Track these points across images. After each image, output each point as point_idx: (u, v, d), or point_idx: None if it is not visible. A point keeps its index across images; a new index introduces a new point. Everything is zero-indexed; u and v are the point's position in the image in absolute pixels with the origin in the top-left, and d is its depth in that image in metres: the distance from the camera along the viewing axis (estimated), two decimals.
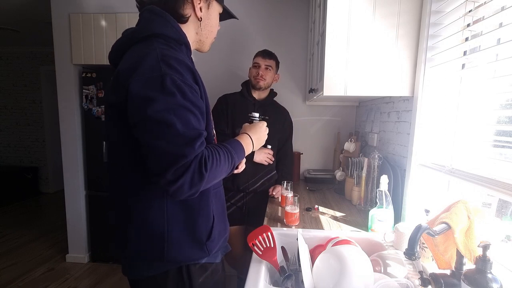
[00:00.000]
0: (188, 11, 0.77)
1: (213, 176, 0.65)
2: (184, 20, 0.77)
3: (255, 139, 0.88)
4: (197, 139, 0.62)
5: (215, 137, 0.89)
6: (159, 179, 0.61)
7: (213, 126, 0.86)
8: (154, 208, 0.71)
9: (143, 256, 0.74)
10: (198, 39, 0.84)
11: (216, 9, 0.84)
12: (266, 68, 1.67)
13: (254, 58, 1.73)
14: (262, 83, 1.66)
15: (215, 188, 0.82)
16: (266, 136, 0.94)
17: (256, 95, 1.72)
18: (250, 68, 1.75)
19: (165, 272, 0.74)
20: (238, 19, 0.96)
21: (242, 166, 0.98)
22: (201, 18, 0.80)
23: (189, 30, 0.80)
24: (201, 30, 0.82)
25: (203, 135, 0.64)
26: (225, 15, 0.91)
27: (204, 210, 0.76)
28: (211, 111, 0.80)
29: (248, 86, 1.74)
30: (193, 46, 0.84)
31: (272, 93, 1.81)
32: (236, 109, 1.68)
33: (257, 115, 1.04)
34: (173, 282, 0.74)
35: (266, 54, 1.69)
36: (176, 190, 0.61)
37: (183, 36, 0.76)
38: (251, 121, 0.98)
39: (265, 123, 0.95)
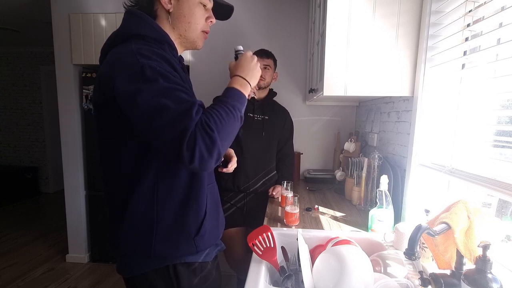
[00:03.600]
0: (156, 5, 0.76)
1: (225, 133, 0.63)
2: (153, 15, 0.76)
3: (248, 76, 0.78)
4: (191, 109, 0.61)
5: None
6: (180, 161, 0.60)
7: None
8: (145, 202, 0.71)
9: (132, 251, 0.74)
10: (179, 35, 0.79)
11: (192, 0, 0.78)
12: (265, 68, 1.67)
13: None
14: (261, 83, 1.66)
15: (209, 183, 0.81)
16: (259, 68, 0.82)
17: (256, 94, 1.72)
18: None
19: (155, 270, 0.74)
20: (232, 6, 0.91)
21: (233, 165, 0.98)
22: (169, 10, 0.76)
23: (165, 26, 0.77)
24: (176, 24, 0.77)
25: (196, 103, 0.63)
26: (220, 11, 0.88)
27: (196, 204, 0.75)
28: None
29: None
30: (181, 46, 0.82)
31: (272, 93, 1.81)
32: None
33: (241, 47, 0.89)
34: (163, 280, 0.75)
35: (263, 53, 1.69)
36: (199, 162, 0.60)
37: (163, 34, 0.75)
38: (236, 57, 0.86)
39: (249, 53, 0.82)
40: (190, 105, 0.61)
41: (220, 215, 0.88)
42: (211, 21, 0.83)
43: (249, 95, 0.80)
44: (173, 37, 0.79)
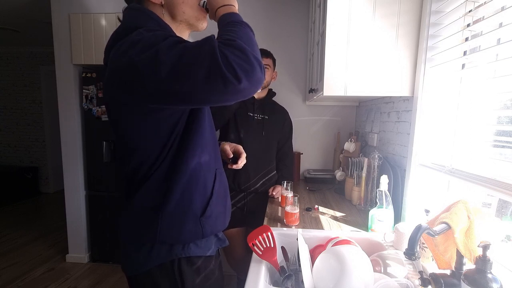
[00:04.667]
0: (146, 4, 0.74)
1: (246, 38, 0.60)
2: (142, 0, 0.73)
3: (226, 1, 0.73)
4: (209, 37, 0.57)
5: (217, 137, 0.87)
6: (227, 84, 0.55)
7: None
8: (154, 184, 0.71)
9: (137, 239, 0.73)
10: (179, 22, 0.76)
11: None
12: (264, 68, 1.67)
13: None
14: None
15: (220, 168, 0.81)
16: None
17: (255, 94, 1.72)
18: None
19: (158, 267, 0.73)
20: None
21: (242, 161, 0.98)
22: (162, 3, 0.73)
23: (165, 20, 0.75)
24: (173, 12, 0.74)
25: (209, 36, 0.59)
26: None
27: (203, 184, 0.74)
28: None
29: None
30: (184, 31, 0.79)
31: (271, 93, 1.81)
32: (236, 107, 1.69)
33: None
34: (166, 277, 0.74)
35: (262, 53, 1.69)
36: (245, 76, 0.55)
37: (167, 28, 0.73)
38: (203, 3, 0.80)
39: None
40: (205, 38, 0.58)
41: (228, 204, 0.86)
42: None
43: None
44: (174, 27, 0.77)
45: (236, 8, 0.73)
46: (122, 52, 0.61)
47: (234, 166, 0.98)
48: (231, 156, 0.99)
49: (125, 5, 0.79)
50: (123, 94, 0.64)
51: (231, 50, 0.55)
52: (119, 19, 0.77)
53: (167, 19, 0.76)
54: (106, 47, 0.74)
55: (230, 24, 0.66)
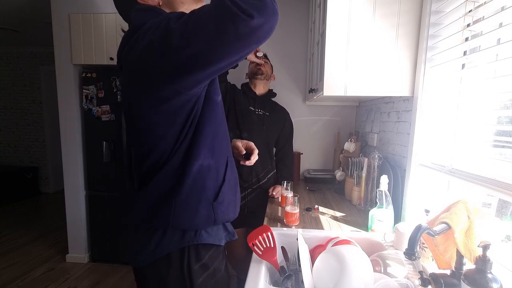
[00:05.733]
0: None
1: None
2: None
3: None
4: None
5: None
6: (236, 19, 0.51)
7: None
8: (169, 174, 0.71)
9: (148, 224, 0.73)
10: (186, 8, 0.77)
11: None
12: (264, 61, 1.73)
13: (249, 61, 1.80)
14: (263, 69, 1.69)
15: (231, 157, 0.82)
16: None
17: (256, 89, 1.73)
18: (247, 74, 1.79)
19: (167, 256, 0.73)
20: None
21: (255, 158, 0.97)
22: (159, 3, 0.75)
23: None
24: (175, 7, 0.76)
25: None
26: None
27: (215, 170, 0.75)
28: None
29: (248, 85, 1.76)
30: None
31: (272, 93, 1.82)
32: (237, 102, 1.70)
33: None
34: (175, 271, 0.74)
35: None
36: (257, 10, 0.52)
37: None
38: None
39: None
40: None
41: (238, 194, 0.87)
42: None
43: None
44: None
45: None
46: (141, 40, 0.62)
47: (247, 163, 0.97)
48: (244, 152, 0.99)
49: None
50: (144, 78, 0.64)
51: None
52: (123, 30, 0.78)
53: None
54: (118, 50, 0.75)
55: None
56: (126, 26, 0.78)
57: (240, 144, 1.00)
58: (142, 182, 0.76)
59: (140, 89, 0.66)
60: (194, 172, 0.71)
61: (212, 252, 0.78)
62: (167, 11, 0.76)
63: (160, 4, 0.75)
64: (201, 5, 0.77)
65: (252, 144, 1.01)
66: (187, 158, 0.71)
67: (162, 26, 0.58)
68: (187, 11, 0.76)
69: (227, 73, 1.67)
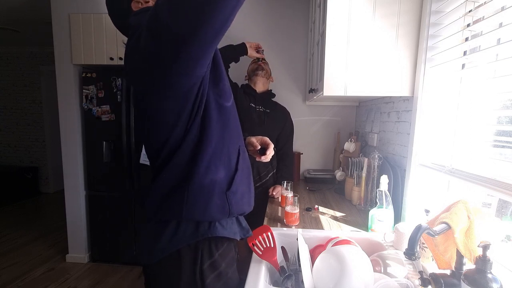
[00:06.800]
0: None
1: None
2: None
3: None
4: None
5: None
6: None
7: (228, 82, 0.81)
8: (181, 163, 0.71)
9: (162, 216, 0.73)
10: None
11: None
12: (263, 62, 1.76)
13: (250, 60, 1.81)
14: (263, 65, 1.72)
15: (242, 146, 0.82)
16: None
17: (256, 87, 1.74)
18: (246, 76, 1.81)
19: (178, 252, 0.72)
20: None
21: (271, 153, 0.95)
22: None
23: None
24: None
25: None
26: None
27: (227, 158, 0.75)
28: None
29: (248, 84, 1.78)
30: None
31: (271, 93, 1.83)
32: (238, 99, 1.70)
33: None
34: (186, 265, 0.72)
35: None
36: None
37: None
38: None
39: None
40: None
41: (251, 185, 0.86)
42: None
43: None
44: None
45: None
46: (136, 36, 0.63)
47: (263, 158, 0.96)
48: (259, 147, 0.96)
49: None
50: (148, 66, 0.64)
51: None
52: (124, 43, 0.79)
53: None
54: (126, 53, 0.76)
55: None
56: (125, 39, 0.78)
57: (255, 140, 0.98)
58: (156, 175, 0.76)
59: (148, 78, 0.67)
60: (205, 160, 0.71)
61: (224, 247, 0.77)
62: None
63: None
64: None
65: (267, 139, 0.99)
66: (198, 146, 0.71)
67: (152, 10, 0.59)
68: None
69: (228, 66, 1.68)
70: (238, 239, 0.81)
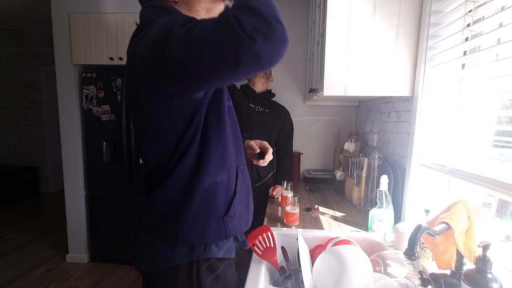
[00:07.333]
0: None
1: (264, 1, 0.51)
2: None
3: None
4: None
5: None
6: (239, 42, 0.48)
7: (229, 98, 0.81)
8: (177, 181, 0.69)
9: (158, 236, 0.72)
10: (196, 11, 0.76)
11: None
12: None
13: None
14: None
15: (242, 165, 0.79)
16: None
17: (255, 87, 1.74)
18: None
19: (175, 268, 0.72)
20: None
21: (269, 157, 0.95)
22: (175, 0, 0.73)
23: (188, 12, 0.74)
24: (194, 9, 0.74)
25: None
26: None
27: (225, 183, 0.73)
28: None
29: (247, 84, 1.78)
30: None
31: (271, 93, 1.82)
32: (237, 100, 1.70)
33: None
34: (183, 278, 0.72)
35: None
36: (261, 36, 0.47)
37: (180, 14, 0.71)
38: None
39: None
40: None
41: (250, 202, 0.85)
42: None
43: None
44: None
45: None
46: (143, 38, 0.61)
47: (261, 162, 0.95)
48: (258, 151, 0.96)
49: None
50: (143, 76, 0.63)
51: (243, 12, 0.48)
52: (136, 23, 0.78)
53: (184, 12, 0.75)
54: (127, 50, 0.74)
55: None
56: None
57: (254, 143, 0.98)
58: (151, 190, 0.74)
59: (142, 85, 0.65)
60: (203, 188, 0.70)
61: (223, 265, 0.76)
62: (183, 8, 0.75)
63: (177, 0, 0.74)
64: (218, 5, 0.77)
65: (265, 143, 0.99)
66: (196, 173, 0.69)
67: (166, 30, 0.56)
68: (203, 10, 0.75)
69: None
70: (234, 257, 0.80)
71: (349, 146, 1.75)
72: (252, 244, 0.91)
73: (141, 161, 2.21)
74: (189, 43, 0.52)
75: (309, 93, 1.76)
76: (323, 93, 1.25)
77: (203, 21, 0.54)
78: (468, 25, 0.97)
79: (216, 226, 0.72)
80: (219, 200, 0.72)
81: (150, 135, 0.71)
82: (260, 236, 0.92)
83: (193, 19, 0.57)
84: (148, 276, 0.77)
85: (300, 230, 1.07)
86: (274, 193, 1.66)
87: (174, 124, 0.67)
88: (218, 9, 0.78)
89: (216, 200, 0.72)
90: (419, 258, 0.67)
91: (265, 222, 1.27)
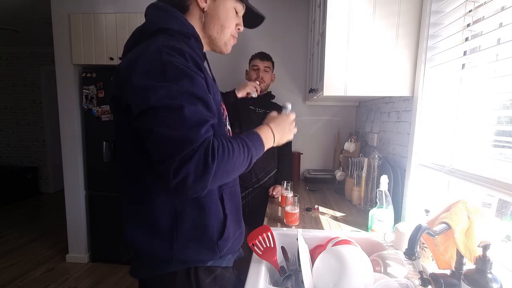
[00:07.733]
0: (189, 0, 0.74)
1: (223, 170, 0.58)
2: (185, 7, 0.73)
3: (278, 134, 0.78)
4: (203, 124, 0.56)
5: (230, 132, 0.85)
6: (163, 171, 0.54)
7: (227, 120, 0.81)
8: (163, 206, 0.68)
9: (152, 256, 0.71)
10: (208, 35, 0.77)
11: (229, 3, 0.76)
12: (265, 70, 1.72)
13: (251, 61, 1.76)
14: (262, 85, 1.68)
15: (231, 186, 0.77)
16: (292, 132, 0.84)
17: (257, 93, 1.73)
18: (247, 71, 1.78)
19: (173, 272, 0.71)
20: (264, 17, 0.89)
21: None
22: (204, 9, 0.74)
23: (195, 24, 0.74)
24: (208, 24, 0.75)
25: (210, 122, 0.59)
26: (249, 19, 0.86)
27: (215, 208, 0.72)
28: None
29: None
30: (206, 45, 0.80)
31: (270, 95, 1.83)
32: (237, 101, 1.70)
33: (289, 106, 0.96)
34: (181, 283, 0.71)
35: (263, 56, 1.74)
36: (178, 183, 0.54)
37: (190, 28, 0.72)
38: (281, 110, 0.91)
39: (292, 116, 0.87)
40: (203, 120, 0.57)
41: (242, 222, 0.85)
42: (239, 28, 0.82)
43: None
44: (201, 35, 0.76)
45: (271, 141, 0.78)
46: (135, 67, 0.60)
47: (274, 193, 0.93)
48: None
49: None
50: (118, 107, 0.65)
51: (198, 162, 0.54)
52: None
53: (197, 24, 0.75)
54: (126, 44, 0.73)
55: (248, 142, 0.66)
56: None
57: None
58: (140, 206, 0.72)
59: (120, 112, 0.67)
60: (190, 211, 0.69)
61: (221, 269, 0.76)
62: (197, 22, 0.75)
63: (205, 10, 0.74)
64: (229, 44, 0.81)
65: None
66: (180, 200, 0.68)
67: (145, 85, 0.57)
68: (217, 35, 0.77)
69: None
70: (231, 265, 0.80)
71: (349, 146, 1.75)
72: (252, 244, 0.91)
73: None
74: (155, 131, 0.56)
75: (309, 93, 1.76)
76: (323, 93, 1.25)
77: (179, 118, 0.55)
78: (468, 25, 0.97)
79: (210, 250, 0.71)
80: (210, 224, 0.71)
81: (128, 155, 0.71)
82: (260, 236, 0.92)
83: (185, 104, 0.56)
84: (144, 280, 0.76)
85: (300, 230, 1.07)
86: (274, 193, 1.66)
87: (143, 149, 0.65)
88: (225, 49, 0.82)
89: (207, 225, 0.70)
90: (419, 258, 0.67)
91: (265, 222, 1.27)
